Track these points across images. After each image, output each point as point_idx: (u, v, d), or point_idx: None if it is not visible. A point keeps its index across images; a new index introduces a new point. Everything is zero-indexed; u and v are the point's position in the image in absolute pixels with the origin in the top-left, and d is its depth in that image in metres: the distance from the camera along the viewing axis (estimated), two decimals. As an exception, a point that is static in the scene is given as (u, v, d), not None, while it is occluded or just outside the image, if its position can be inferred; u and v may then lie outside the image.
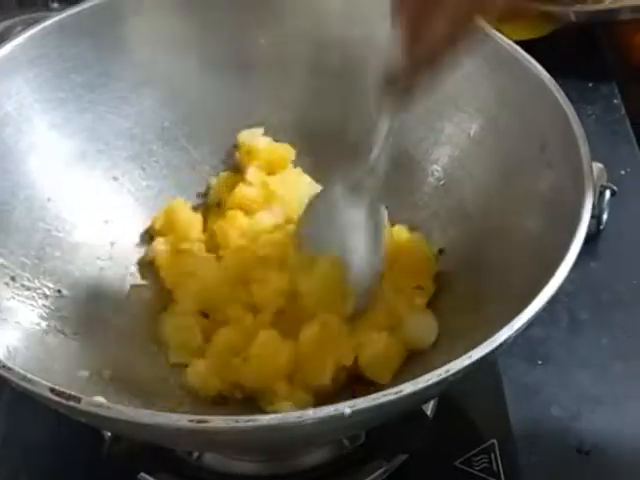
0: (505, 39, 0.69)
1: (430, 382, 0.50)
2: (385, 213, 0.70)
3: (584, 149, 0.61)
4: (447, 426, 0.72)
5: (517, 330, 0.52)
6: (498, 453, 0.71)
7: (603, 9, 1.09)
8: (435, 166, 0.74)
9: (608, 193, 0.90)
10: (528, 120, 0.67)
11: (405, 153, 0.74)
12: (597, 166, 0.91)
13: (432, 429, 0.69)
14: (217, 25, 0.75)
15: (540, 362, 0.80)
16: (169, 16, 0.75)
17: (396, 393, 0.49)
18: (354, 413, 0.48)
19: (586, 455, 0.73)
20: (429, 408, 0.71)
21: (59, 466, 0.72)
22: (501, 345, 0.52)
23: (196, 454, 0.69)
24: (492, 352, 0.51)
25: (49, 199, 0.71)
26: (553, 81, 0.67)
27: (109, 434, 0.66)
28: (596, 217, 0.90)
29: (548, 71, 1.02)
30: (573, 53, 1.12)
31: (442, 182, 0.74)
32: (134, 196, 0.76)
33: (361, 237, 0.68)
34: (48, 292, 0.69)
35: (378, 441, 0.68)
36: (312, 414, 0.48)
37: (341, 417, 0.48)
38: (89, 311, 0.71)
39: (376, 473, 0.68)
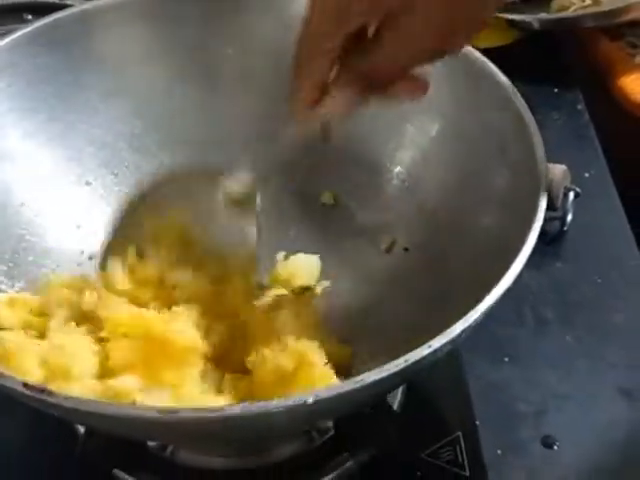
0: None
1: (390, 372, 0.51)
2: None
3: (540, 150, 0.63)
4: (414, 420, 0.73)
5: (473, 322, 0.54)
6: (463, 445, 0.72)
7: (566, 17, 1.11)
8: (399, 168, 0.76)
9: (572, 195, 0.91)
10: (487, 122, 0.69)
11: (370, 156, 0.76)
12: (561, 168, 0.92)
13: (399, 423, 0.71)
14: (185, 37, 0.77)
15: (506, 360, 0.81)
16: (138, 28, 0.76)
17: (358, 382, 0.50)
18: (317, 402, 0.50)
19: (550, 449, 0.75)
20: (396, 403, 0.72)
21: (33, 463, 0.73)
22: (458, 336, 0.53)
23: (170, 450, 0.70)
24: (450, 342, 0.53)
25: (22, 204, 0.73)
26: (510, 84, 0.68)
27: (82, 431, 0.67)
28: (560, 218, 0.92)
29: (514, 78, 1.05)
30: (538, 60, 1.14)
31: (406, 183, 0.75)
32: (106, 200, 0.77)
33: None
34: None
35: (347, 434, 0.70)
36: (276, 403, 0.50)
37: (304, 406, 0.50)
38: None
39: (345, 466, 0.69)
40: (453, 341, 0.53)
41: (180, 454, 0.70)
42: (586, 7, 1.12)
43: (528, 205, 0.60)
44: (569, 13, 1.11)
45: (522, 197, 0.61)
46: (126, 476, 0.69)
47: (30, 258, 0.72)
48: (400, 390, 0.73)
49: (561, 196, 0.91)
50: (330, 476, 0.69)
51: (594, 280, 0.89)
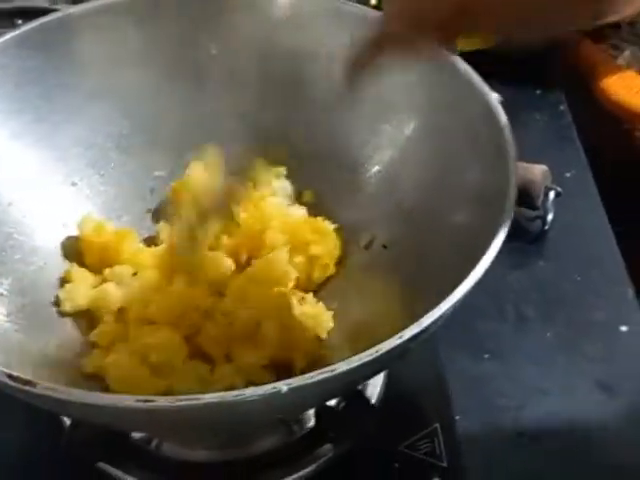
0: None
1: (362, 361, 0.53)
2: None
3: (511, 147, 0.65)
4: (393, 413, 0.75)
5: (442, 314, 0.55)
6: (441, 437, 0.74)
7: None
8: (377, 167, 0.77)
9: (552, 194, 0.93)
10: (461, 120, 0.70)
11: (349, 156, 0.77)
12: (541, 168, 0.94)
13: (378, 416, 0.73)
14: (170, 38, 0.79)
15: (487, 356, 0.83)
16: (123, 30, 0.78)
17: (331, 371, 0.52)
18: (291, 390, 0.51)
19: (529, 441, 0.76)
20: (375, 396, 0.74)
21: (18, 456, 0.74)
22: (429, 327, 0.55)
23: (155, 443, 0.72)
24: (420, 333, 0.54)
25: (10, 204, 0.74)
26: (484, 83, 0.70)
27: (68, 423, 0.69)
28: (541, 218, 0.94)
29: (497, 80, 1.07)
30: (521, 63, 1.14)
31: (384, 182, 0.77)
32: (92, 201, 0.79)
33: None
34: (6, 293, 0.71)
35: (326, 428, 0.71)
36: (251, 392, 0.51)
37: (279, 395, 0.51)
38: (49, 312, 0.74)
39: (324, 458, 0.71)
40: (423, 332, 0.54)
41: (164, 447, 0.72)
42: (568, 10, 1.13)
43: (499, 201, 0.62)
44: (551, 16, 1.12)
45: (493, 193, 0.63)
46: (111, 469, 0.70)
47: (17, 256, 0.73)
48: (379, 384, 0.75)
49: (542, 196, 0.93)
50: (310, 468, 0.71)
51: (575, 278, 0.90)
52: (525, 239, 0.94)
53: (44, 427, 0.73)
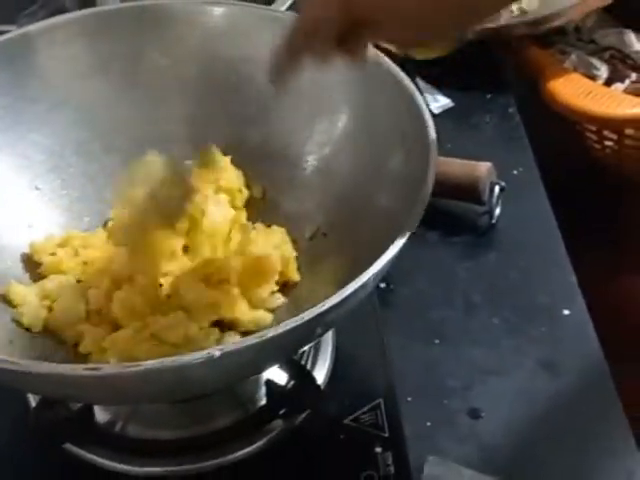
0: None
1: (288, 327, 0.58)
2: None
3: (432, 144, 0.69)
4: (339, 391, 0.80)
5: (361, 285, 0.60)
6: (384, 410, 0.78)
7: (497, 26, 1.18)
8: (316, 161, 0.82)
9: (497, 189, 0.98)
10: (390, 115, 0.76)
11: (289, 151, 0.82)
12: (486, 165, 0.99)
13: (325, 394, 0.78)
14: (122, 51, 0.84)
15: (437, 341, 0.87)
16: (78, 45, 0.83)
17: (260, 337, 0.57)
18: (224, 355, 0.56)
19: (476, 419, 0.81)
20: (323, 375, 0.80)
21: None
22: (348, 298, 0.60)
23: (120, 424, 0.76)
24: (341, 303, 0.60)
25: (-23, 206, 0.79)
26: (410, 81, 0.75)
27: (34, 405, 0.73)
28: (488, 212, 0.99)
29: (450, 86, 1.13)
30: (472, 69, 1.19)
31: (321, 174, 0.82)
32: (54, 203, 0.83)
33: None
34: None
35: (277, 405, 0.77)
36: (189, 357, 0.57)
37: (212, 360, 0.56)
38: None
39: (276, 431, 0.76)
40: (342, 302, 0.60)
41: (129, 428, 0.77)
42: (515, 17, 1.18)
43: (420, 188, 0.67)
44: (500, 22, 1.17)
45: (416, 181, 0.68)
46: (77, 450, 0.75)
47: (-15, 256, 0.77)
48: (327, 365, 0.81)
49: (487, 191, 0.98)
50: (263, 441, 0.76)
51: (520, 267, 0.95)
52: (475, 232, 0.99)
53: (9, 409, 0.77)
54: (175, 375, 0.58)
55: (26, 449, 0.75)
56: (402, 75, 0.74)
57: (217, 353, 0.56)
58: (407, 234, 0.63)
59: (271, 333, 0.58)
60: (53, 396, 0.71)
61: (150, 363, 0.56)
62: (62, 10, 1.07)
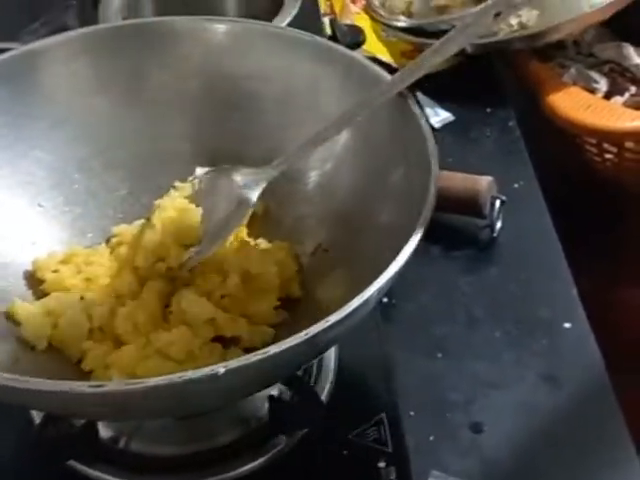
0: (370, 64, 0.78)
1: (292, 344, 0.58)
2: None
3: (434, 158, 0.69)
4: (342, 406, 0.80)
5: (365, 301, 0.60)
6: (387, 425, 0.79)
7: (497, 40, 1.18)
8: (317, 177, 0.82)
9: (498, 203, 0.99)
10: (391, 130, 0.76)
11: (291, 168, 0.81)
12: (487, 179, 1.00)
13: (328, 409, 0.78)
14: (123, 68, 0.84)
15: (440, 355, 0.88)
16: (81, 63, 0.83)
17: (264, 353, 0.57)
18: (228, 372, 0.56)
19: (479, 434, 0.81)
20: (325, 391, 0.80)
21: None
22: (351, 314, 0.60)
23: (124, 440, 0.76)
24: (344, 319, 0.59)
25: (-20, 223, 0.79)
26: (410, 96, 0.75)
27: (38, 422, 0.73)
28: (490, 226, 0.99)
29: (451, 100, 1.13)
30: (472, 83, 1.20)
31: (323, 189, 0.82)
32: (57, 219, 0.83)
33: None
34: None
35: (280, 420, 0.77)
36: (191, 374, 0.56)
37: (216, 377, 0.56)
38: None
39: (279, 447, 0.76)
40: (346, 318, 0.59)
41: (133, 444, 0.77)
42: (514, 31, 1.19)
43: (422, 202, 0.67)
44: (499, 37, 1.18)
45: (417, 197, 0.68)
46: (81, 467, 0.75)
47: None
48: (330, 380, 0.81)
49: (488, 204, 0.98)
50: (266, 457, 0.76)
51: (522, 281, 0.95)
52: (476, 246, 0.99)
53: (13, 425, 0.77)
54: (179, 392, 0.58)
55: (30, 465, 0.76)
56: (405, 92, 0.74)
57: (221, 370, 0.56)
58: (411, 249, 0.63)
59: (274, 350, 0.57)
60: (57, 413, 0.71)
61: (153, 380, 0.56)
62: (64, 28, 1.07)
